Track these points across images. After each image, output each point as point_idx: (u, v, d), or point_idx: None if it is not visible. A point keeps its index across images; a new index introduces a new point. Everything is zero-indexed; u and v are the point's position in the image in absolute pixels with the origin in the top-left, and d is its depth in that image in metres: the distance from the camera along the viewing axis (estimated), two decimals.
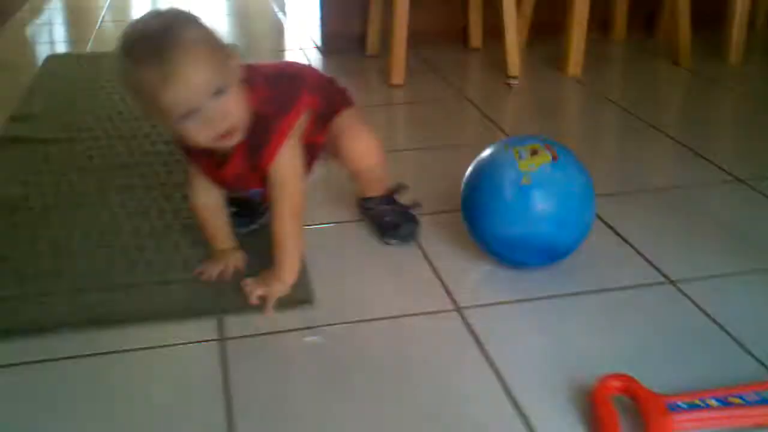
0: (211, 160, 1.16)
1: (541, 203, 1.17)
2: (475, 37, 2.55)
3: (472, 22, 2.53)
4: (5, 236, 1.35)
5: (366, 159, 1.32)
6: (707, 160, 1.69)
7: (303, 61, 2.48)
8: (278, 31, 2.93)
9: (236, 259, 1.25)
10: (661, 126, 1.88)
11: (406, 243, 1.35)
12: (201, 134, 1.05)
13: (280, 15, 3.14)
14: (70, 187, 1.53)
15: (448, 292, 1.21)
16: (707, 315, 1.15)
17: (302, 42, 2.69)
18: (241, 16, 3.24)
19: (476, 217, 1.24)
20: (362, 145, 1.31)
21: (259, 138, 1.12)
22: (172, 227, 1.37)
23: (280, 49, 2.67)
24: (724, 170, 1.63)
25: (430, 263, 1.29)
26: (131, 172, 1.60)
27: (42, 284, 1.20)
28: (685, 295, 1.20)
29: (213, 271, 1.22)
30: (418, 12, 2.45)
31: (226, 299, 1.16)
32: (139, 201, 1.47)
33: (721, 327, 1.12)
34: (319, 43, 2.57)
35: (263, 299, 1.16)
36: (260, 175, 1.16)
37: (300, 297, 1.17)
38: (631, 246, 1.35)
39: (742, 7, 2.32)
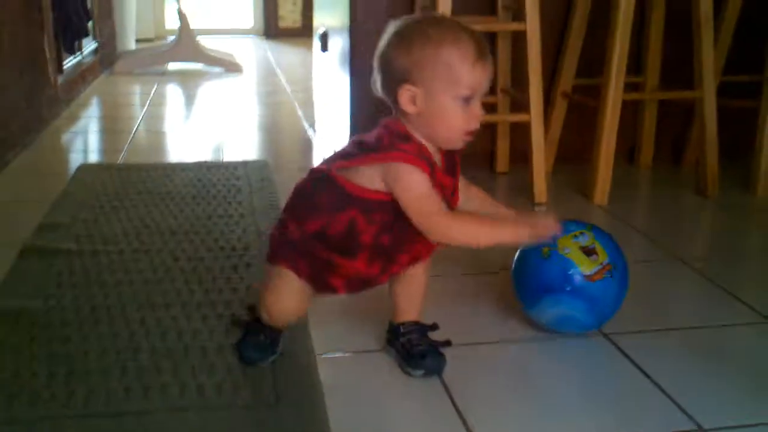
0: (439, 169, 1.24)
1: None
2: (502, 162, 2.57)
3: (500, 146, 2.56)
4: (21, 353, 1.34)
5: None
6: (736, 297, 1.65)
7: None
8: (307, 148, 2.98)
9: None
10: (688, 259, 1.85)
11: (430, 376, 1.32)
12: (460, 121, 1.20)
13: (309, 132, 3.20)
14: (91, 302, 1.53)
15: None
16: None
17: None
18: (272, 131, 3.30)
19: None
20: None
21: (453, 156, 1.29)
22: (190, 349, 1.35)
23: (312, 165, 2.70)
24: (754, 310, 1.60)
25: (452, 399, 1.26)
26: (153, 288, 1.59)
27: (53, 407, 1.18)
28: None
29: None
30: None
31: (240, 429, 1.13)
32: (158, 320, 1.46)
33: None
34: None
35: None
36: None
37: (313, 431, 1.13)
38: (660, 388, 1.30)
39: None
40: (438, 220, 1.20)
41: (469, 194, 1.34)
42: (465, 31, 1.20)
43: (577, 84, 2.53)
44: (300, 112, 3.58)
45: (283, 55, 5.57)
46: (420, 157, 1.19)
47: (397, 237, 1.24)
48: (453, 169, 1.28)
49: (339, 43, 2.65)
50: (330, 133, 2.90)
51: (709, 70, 2.27)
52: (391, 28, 1.23)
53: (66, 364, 1.30)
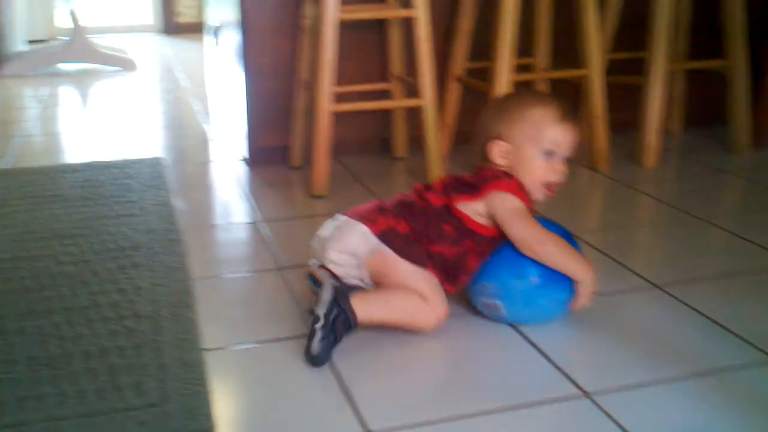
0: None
1: None
2: (400, 147, 2.57)
3: (396, 132, 2.56)
4: None
5: None
6: (625, 266, 1.69)
7: (229, 173, 2.46)
8: (204, 143, 2.92)
9: None
10: (580, 232, 1.89)
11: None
12: (541, 172, 1.41)
13: (206, 127, 3.14)
14: None
15: (361, 419, 1.16)
16: (623, 430, 1.12)
17: (228, 154, 2.68)
18: (169, 128, 3.22)
19: None
20: None
21: None
22: (72, 355, 1.31)
23: (208, 161, 2.65)
24: (642, 277, 1.64)
25: (345, 388, 1.25)
26: (34, 296, 1.53)
27: None
28: (601, 408, 1.18)
29: None
30: (343, 122, 2.48)
31: None
32: (39, 328, 1.40)
33: None
34: (246, 155, 2.56)
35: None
36: None
37: (198, 428, 1.11)
38: (546, 357, 1.32)
39: (656, 112, 2.39)
40: (537, 231, 1.36)
41: None
42: (554, 98, 1.44)
43: (470, 67, 2.54)
44: (197, 108, 3.52)
45: (183, 51, 5.46)
46: (521, 190, 1.40)
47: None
48: None
49: (232, 38, 2.60)
50: (227, 127, 2.85)
51: (595, 49, 2.31)
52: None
53: None
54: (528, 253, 1.36)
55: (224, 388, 1.25)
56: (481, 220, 1.40)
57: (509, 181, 1.40)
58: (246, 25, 2.42)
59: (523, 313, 1.40)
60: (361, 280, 1.41)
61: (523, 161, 1.41)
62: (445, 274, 1.40)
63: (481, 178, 1.42)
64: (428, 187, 1.46)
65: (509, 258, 1.38)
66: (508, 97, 1.47)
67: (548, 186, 1.43)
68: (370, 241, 1.38)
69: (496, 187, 1.39)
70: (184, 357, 1.30)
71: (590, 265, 1.39)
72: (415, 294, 1.35)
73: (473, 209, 1.40)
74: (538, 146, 1.40)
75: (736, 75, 2.48)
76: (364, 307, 1.32)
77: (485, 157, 1.44)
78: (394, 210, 1.42)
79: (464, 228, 1.39)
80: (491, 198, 1.39)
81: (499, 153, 1.42)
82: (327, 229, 1.44)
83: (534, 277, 1.37)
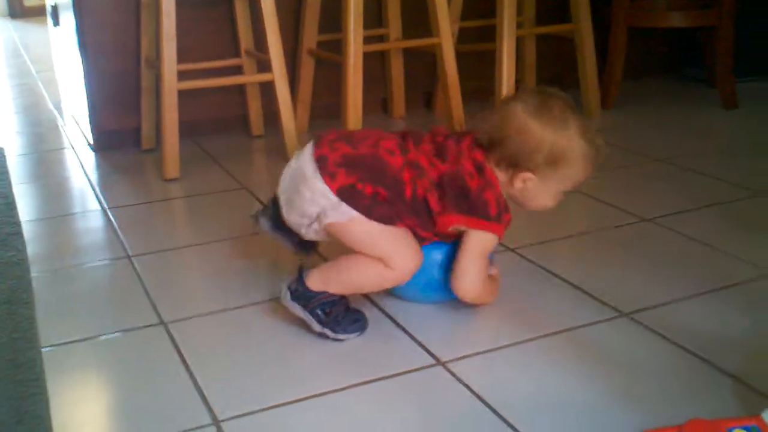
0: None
1: None
2: (257, 125, 2.51)
3: (252, 109, 2.50)
4: None
5: None
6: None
7: (78, 160, 2.34)
8: (53, 128, 2.77)
9: None
10: None
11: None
12: (551, 203, 1.34)
13: (54, 112, 2.99)
14: None
15: (210, 409, 1.12)
16: (475, 394, 1.13)
17: (79, 140, 2.55)
18: (15, 115, 3.04)
19: None
20: None
21: None
22: None
23: (58, 148, 2.51)
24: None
25: (194, 379, 1.20)
26: None
27: None
28: (453, 374, 1.18)
29: None
30: (197, 101, 2.39)
31: None
32: None
33: (488, 405, 1.11)
34: (91, 140, 2.44)
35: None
36: None
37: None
38: (404, 330, 1.32)
39: (507, 78, 2.42)
40: (475, 277, 1.30)
41: None
42: (597, 137, 1.31)
43: (322, 40, 2.50)
44: (45, 93, 3.34)
45: (30, 34, 5.18)
46: (507, 226, 1.31)
47: None
48: None
49: (69, 18, 2.46)
50: (79, 112, 2.71)
51: (444, 17, 2.31)
52: (530, 97, 1.33)
53: None
54: (457, 291, 1.31)
55: (64, 387, 1.18)
56: (453, 228, 1.30)
57: (501, 221, 1.29)
58: (78, 3, 2.30)
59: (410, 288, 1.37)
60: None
61: (540, 191, 1.31)
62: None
63: (485, 206, 1.27)
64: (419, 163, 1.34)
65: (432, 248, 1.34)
66: (547, 120, 1.28)
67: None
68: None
69: (489, 229, 1.28)
70: (17, 358, 1.21)
71: (495, 294, 1.39)
72: (373, 262, 1.27)
73: (455, 226, 1.30)
74: (564, 185, 1.31)
75: (583, 39, 2.55)
76: (320, 283, 1.29)
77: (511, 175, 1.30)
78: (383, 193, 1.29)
79: (433, 226, 1.30)
80: (477, 230, 1.29)
81: (521, 186, 1.30)
82: None
83: (436, 276, 1.35)
